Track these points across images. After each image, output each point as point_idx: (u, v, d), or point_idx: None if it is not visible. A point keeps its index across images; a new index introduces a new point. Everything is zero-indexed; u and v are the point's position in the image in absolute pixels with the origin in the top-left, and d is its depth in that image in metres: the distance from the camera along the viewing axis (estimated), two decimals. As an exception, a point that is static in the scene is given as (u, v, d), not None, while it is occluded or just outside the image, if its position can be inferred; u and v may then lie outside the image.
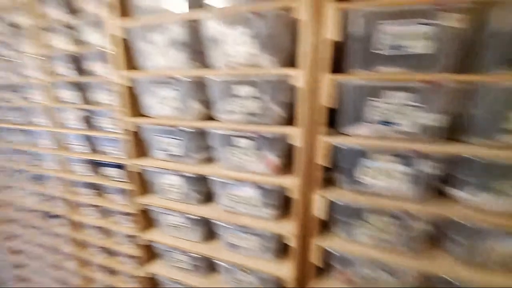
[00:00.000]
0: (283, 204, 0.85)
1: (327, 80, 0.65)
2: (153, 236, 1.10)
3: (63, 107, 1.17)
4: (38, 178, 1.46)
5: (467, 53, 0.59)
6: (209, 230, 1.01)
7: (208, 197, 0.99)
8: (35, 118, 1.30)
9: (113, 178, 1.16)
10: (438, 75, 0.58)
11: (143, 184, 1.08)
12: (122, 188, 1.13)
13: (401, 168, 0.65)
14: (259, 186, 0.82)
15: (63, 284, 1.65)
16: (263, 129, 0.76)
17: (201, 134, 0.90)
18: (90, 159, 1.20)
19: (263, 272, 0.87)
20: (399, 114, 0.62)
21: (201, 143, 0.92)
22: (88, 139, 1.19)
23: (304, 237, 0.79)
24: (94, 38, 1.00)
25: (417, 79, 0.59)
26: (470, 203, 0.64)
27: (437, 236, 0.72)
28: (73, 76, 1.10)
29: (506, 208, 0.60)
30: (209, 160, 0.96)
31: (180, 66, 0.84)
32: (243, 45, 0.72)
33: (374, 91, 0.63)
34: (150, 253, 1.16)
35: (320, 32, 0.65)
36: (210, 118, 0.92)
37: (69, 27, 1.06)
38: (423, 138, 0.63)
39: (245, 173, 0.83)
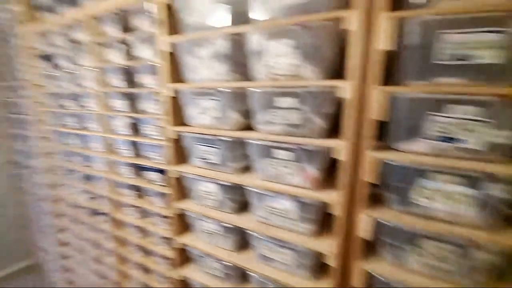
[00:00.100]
0: (322, 220, 0.79)
1: (379, 92, 0.60)
2: (188, 240, 1.10)
3: (113, 115, 1.25)
4: (88, 178, 1.57)
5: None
6: (242, 240, 0.98)
7: (243, 206, 0.97)
8: (89, 124, 1.41)
9: (153, 181, 1.20)
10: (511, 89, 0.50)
11: (181, 189, 1.10)
12: (161, 191, 1.16)
13: (464, 190, 0.56)
14: (297, 199, 0.78)
15: (101, 277, 1.73)
16: (304, 141, 0.72)
17: (239, 144, 0.89)
18: (134, 163, 1.26)
19: (297, 290, 0.81)
20: (464, 130, 0.55)
21: (238, 152, 0.91)
22: (134, 144, 1.25)
23: (345, 258, 0.73)
24: (144, 52, 1.06)
25: (488, 93, 0.51)
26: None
27: (506, 269, 0.61)
28: (124, 87, 1.17)
29: None
30: (246, 169, 0.94)
31: (221, 77, 0.84)
32: (286, 57, 0.70)
33: (434, 104, 0.56)
34: (184, 256, 1.17)
35: (371, 42, 0.60)
36: (249, 128, 0.91)
37: (123, 43, 1.13)
38: (492, 157, 0.54)
39: (282, 185, 0.79)
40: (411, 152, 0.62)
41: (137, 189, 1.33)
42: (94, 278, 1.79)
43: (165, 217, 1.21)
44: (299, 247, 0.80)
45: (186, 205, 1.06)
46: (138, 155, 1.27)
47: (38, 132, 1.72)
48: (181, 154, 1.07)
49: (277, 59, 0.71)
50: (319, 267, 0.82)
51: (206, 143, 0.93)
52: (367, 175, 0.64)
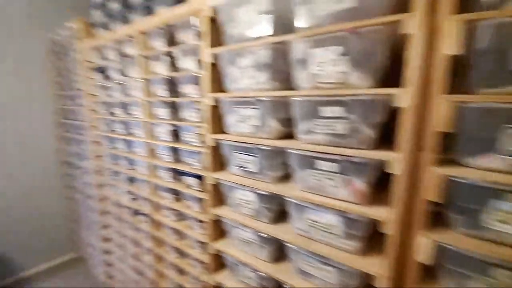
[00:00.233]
0: (370, 238, 0.73)
1: (444, 101, 0.53)
2: (223, 246, 1.10)
3: (156, 122, 1.31)
4: (132, 180, 1.67)
5: None
6: (279, 251, 0.94)
7: (280, 216, 0.94)
8: (135, 130, 1.50)
9: (191, 186, 1.22)
10: None
11: (218, 195, 1.10)
12: (198, 197, 1.17)
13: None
14: (341, 214, 0.72)
15: (139, 274, 1.81)
16: (352, 152, 0.67)
17: (278, 153, 0.86)
18: (173, 168, 1.30)
19: (341, 311, 0.75)
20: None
21: (277, 161, 0.88)
22: (174, 150, 1.29)
23: (399, 282, 0.65)
24: (187, 64, 1.10)
25: None
26: None
27: None
28: (167, 96, 1.23)
29: None
30: (285, 179, 0.91)
31: (262, 86, 0.83)
32: (333, 64, 0.67)
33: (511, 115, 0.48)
34: (219, 262, 1.17)
35: (434, 47, 0.54)
36: (288, 137, 0.88)
37: (168, 55, 1.19)
38: None
39: (325, 198, 0.75)
40: (481, 168, 0.54)
41: (175, 192, 1.37)
42: (132, 274, 1.88)
43: (201, 221, 1.23)
44: (343, 265, 0.74)
45: (222, 212, 1.06)
46: (177, 160, 1.32)
47: (90, 137, 1.88)
48: (219, 161, 1.08)
49: (323, 67, 0.68)
50: (366, 289, 0.75)
51: (244, 151, 0.93)
52: (429, 192, 0.57)
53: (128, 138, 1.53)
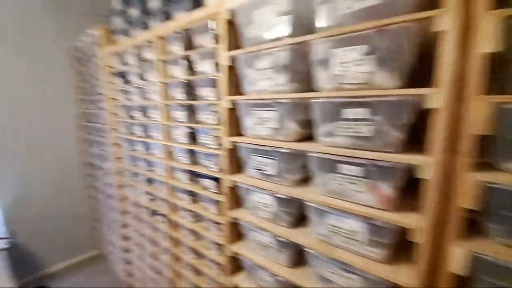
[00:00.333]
0: (398, 246, 0.69)
1: (482, 102, 0.49)
2: (239, 249, 1.09)
3: (174, 125, 1.33)
4: (150, 181, 1.70)
5: None
6: (298, 256, 0.92)
7: (299, 220, 0.92)
8: (153, 133, 1.53)
9: (208, 188, 1.23)
10: None
11: (235, 198, 1.10)
12: (215, 199, 1.17)
13: None
14: (366, 220, 0.69)
15: (157, 273, 1.84)
16: (377, 155, 0.64)
17: (297, 156, 0.84)
18: (190, 170, 1.31)
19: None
20: None
21: (296, 164, 0.86)
22: (191, 152, 1.30)
23: (430, 293, 0.61)
24: (204, 67, 1.11)
25: None
26: None
27: None
28: (184, 99, 1.24)
29: None
30: (304, 182, 0.89)
31: (280, 88, 0.81)
32: (357, 64, 0.64)
33: None
34: (236, 264, 1.16)
35: (468, 45, 0.51)
36: (307, 139, 0.86)
37: (185, 59, 1.20)
38: None
39: (348, 203, 0.72)
40: (526, 174, 0.50)
41: (192, 194, 1.39)
42: (150, 272, 1.92)
43: (217, 223, 1.23)
44: (367, 273, 0.70)
45: (239, 214, 1.05)
46: (194, 162, 1.33)
47: (111, 139, 1.94)
48: (236, 163, 1.07)
49: (346, 67, 0.65)
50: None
51: (262, 154, 0.91)
52: (464, 199, 0.53)
53: (146, 140, 1.57)
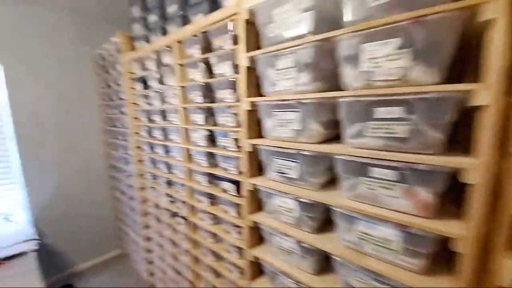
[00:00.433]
0: (437, 256, 0.63)
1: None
2: (260, 254, 1.06)
3: (193, 128, 1.33)
4: (170, 183, 1.72)
5: None
6: (323, 263, 0.88)
7: (324, 226, 0.87)
8: (173, 136, 1.54)
9: (227, 191, 1.21)
10: None
11: (255, 201, 1.07)
12: (235, 202, 1.15)
13: None
14: (401, 227, 0.63)
15: (177, 273, 1.86)
16: (415, 158, 0.58)
17: (321, 158, 0.80)
18: (209, 173, 1.30)
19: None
20: None
21: (320, 167, 0.82)
22: (210, 155, 1.30)
23: (479, 312, 0.55)
24: (223, 69, 1.09)
25: None
26: None
27: None
28: (203, 102, 1.24)
29: None
30: (329, 186, 0.84)
31: (303, 88, 0.77)
32: (390, 59, 0.58)
33: None
34: (256, 269, 1.13)
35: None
36: (332, 141, 0.81)
37: (203, 62, 1.20)
38: None
39: (380, 209, 0.66)
40: None
41: (211, 197, 1.38)
42: (171, 273, 1.94)
43: (237, 226, 1.21)
44: (403, 284, 0.64)
45: (260, 218, 1.02)
46: (213, 165, 1.32)
47: (133, 143, 2.00)
48: (256, 166, 1.04)
49: (377, 63, 0.60)
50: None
51: (284, 157, 0.88)
52: (522, 207, 0.47)
53: (166, 143, 1.59)
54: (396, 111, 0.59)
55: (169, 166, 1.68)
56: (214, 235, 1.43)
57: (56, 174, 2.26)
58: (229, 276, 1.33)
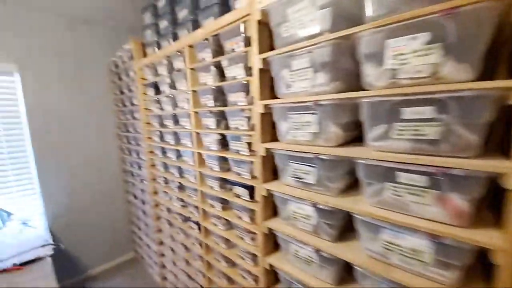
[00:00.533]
0: (472, 268, 0.57)
1: None
2: (276, 262, 1.02)
3: (205, 132, 1.32)
4: (182, 188, 1.71)
5: None
6: (343, 273, 0.82)
7: (345, 234, 0.82)
8: (184, 140, 1.53)
9: (240, 196, 1.18)
10: None
11: (270, 207, 1.03)
12: (248, 207, 1.12)
13: None
14: (432, 237, 0.58)
15: (190, 278, 1.84)
16: (448, 162, 0.53)
17: (340, 162, 0.75)
18: (222, 177, 1.28)
19: None
20: None
21: (339, 171, 0.77)
22: (223, 159, 1.27)
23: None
24: (234, 72, 1.07)
25: None
26: None
27: None
28: (215, 106, 1.22)
29: None
30: (350, 192, 0.79)
31: (320, 89, 0.74)
32: (418, 55, 0.54)
33: None
34: (271, 277, 1.09)
35: None
36: (351, 143, 0.77)
37: (215, 65, 1.18)
38: None
39: (408, 217, 0.61)
40: None
41: (224, 202, 1.35)
42: (183, 277, 1.92)
43: (251, 232, 1.17)
44: (436, 301, 0.59)
45: (275, 225, 0.98)
46: (226, 169, 1.29)
47: (146, 147, 2.01)
48: (270, 171, 1.01)
49: (403, 59, 0.56)
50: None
51: (300, 161, 0.84)
52: None
53: (178, 148, 1.58)
54: (426, 111, 0.54)
55: (181, 171, 1.67)
56: (227, 241, 1.39)
57: (71, 179, 2.31)
58: (243, 283, 1.29)
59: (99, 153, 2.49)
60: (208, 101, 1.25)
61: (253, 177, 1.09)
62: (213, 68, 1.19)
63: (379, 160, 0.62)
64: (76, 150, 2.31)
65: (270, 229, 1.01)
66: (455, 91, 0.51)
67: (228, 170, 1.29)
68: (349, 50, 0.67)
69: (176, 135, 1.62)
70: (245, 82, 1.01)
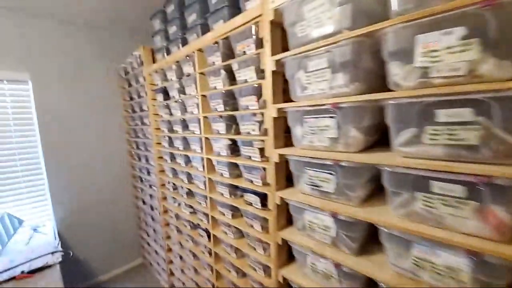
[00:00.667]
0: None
1: None
2: (290, 274, 0.96)
3: (215, 137, 1.29)
4: (191, 194, 1.68)
5: None
6: (367, 290, 0.76)
7: (367, 247, 0.76)
8: (194, 146, 1.51)
9: (252, 204, 1.13)
10: None
11: (283, 216, 0.98)
12: (260, 216, 1.07)
13: None
14: (470, 254, 0.52)
15: (198, 287, 1.79)
16: (493, 170, 0.47)
17: (362, 169, 0.70)
18: (232, 184, 1.24)
19: None
20: None
21: (360, 179, 0.72)
22: (233, 165, 1.24)
23: None
24: (246, 75, 1.04)
25: None
26: None
27: None
28: (225, 110, 1.19)
29: None
30: (372, 201, 0.74)
31: (339, 91, 0.69)
32: (453, 52, 0.49)
33: None
34: (285, 291, 1.03)
35: None
36: (374, 149, 0.71)
37: (225, 69, 1.15)
38: None
39: (443, 231, 0.55)
40: None
41: (234, 209, 1.31)
42: (192, 285, 1.88)
43: (262, 241, 1.12)
44: (479, 327, 0.52)
45: (290, 236, 0.93)
46: (236, 176, 1.25)
47: (155, 153, 2.00)
48: (284, 178, 0.96)
49: (435, 57, 0.51)
50: None
51: (318, 168, 0.79)
52: None
53: (187, 153, 1.55)
54: (463, 113, 0.49)
55: (190, 177, 1.64)
56: (237, 250, 1.35)
57: (81, 185, 2.33)
58: (254, 296, 1.24)
59: (109, 160, 2.51)
60: (218, 105, 1.23)
61: (265, 184, 1.04)
62: (223, 72, 1.16)
63: (409, 167, 0.56)
64: (85, 156, 2.33)
65: (284, 240, 0.96)
66: (497, 91, 0.46)
67: (239, 176, 1.26)
68: (371, 48, 0.63)
69: (185, 140, 1.60)
70: (257, 85, 0.98)
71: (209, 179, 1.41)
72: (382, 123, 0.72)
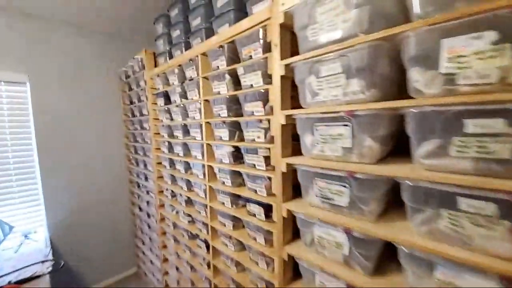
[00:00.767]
0: None
1: None
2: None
3: (217, 144, 1.25)
4: (190, 202, 1.63)
5: None
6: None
7: (384, 266, 0.71)
8: (194, 152, 1.47)
9: (255, 215, 1.09)
10: None
11: (289, 229, 0.93)
12: (264, 228, 1.02)
13: None
14: (504, 280, 0.47)
15: (195, 301, 1.71)
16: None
17: (380, 182, 0.66)
18: (234, 193, 1.19)
19: None
20: None
21: (376, 193, 0.67)
22: (236, 174, 1.19)
23: None
24: (251, 80, 1.01)
25: None
26: None
27: None
28: (229, 116, 1.15)
29: None
30: (390, 216, 0.69)
31: (353, 97, 0.66)
32: (482, 57, 0.46)
33: None
34: (291, 311, 0.97)
35: None
36: (390, 159, 0.68)
37: (230, 73, 1.13)
38: None
39: (472, 253, 0.51)
40: None
41: (235, 219, 1.26)
42: (189, 300, 1.80)
43: (265, 255, 1.07)
44: None
45: (297, 252, 0.88)
46: (239, 185, 1.21)
47: (154, 158, 1.96)
48: (291, 188, 0.92)
49: (462, 63, 0.48)
50: None
51: (329, 179, 0.75)
52: None
53: (188, 160, 1.51)
54: (494, 124, 0.45)
55: (189, 184, 1.59)
56: (238, 263, 1.29)
57: (76, 191, 2.27)
58: (257, 314, 1.17)
59: (106, 164, 2.46)
60: (222, 111, 1.19)
61: (270, 194, 1.00)
62: (227, 76, 1.14)
63: (434, 182, 0.52)
64: (81, 161, 2.29)
65: (290, 256, 0.90)
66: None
67: (241, 185, 1.21)
68: (389, 53, 0.60)
69: (185, 146, 1.56)
70: (263, 90, 0.95)
71: (210, 187, 1.36)
72: (396, 132, 0.68)
